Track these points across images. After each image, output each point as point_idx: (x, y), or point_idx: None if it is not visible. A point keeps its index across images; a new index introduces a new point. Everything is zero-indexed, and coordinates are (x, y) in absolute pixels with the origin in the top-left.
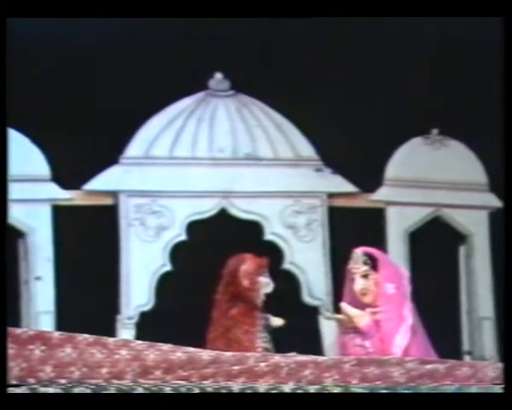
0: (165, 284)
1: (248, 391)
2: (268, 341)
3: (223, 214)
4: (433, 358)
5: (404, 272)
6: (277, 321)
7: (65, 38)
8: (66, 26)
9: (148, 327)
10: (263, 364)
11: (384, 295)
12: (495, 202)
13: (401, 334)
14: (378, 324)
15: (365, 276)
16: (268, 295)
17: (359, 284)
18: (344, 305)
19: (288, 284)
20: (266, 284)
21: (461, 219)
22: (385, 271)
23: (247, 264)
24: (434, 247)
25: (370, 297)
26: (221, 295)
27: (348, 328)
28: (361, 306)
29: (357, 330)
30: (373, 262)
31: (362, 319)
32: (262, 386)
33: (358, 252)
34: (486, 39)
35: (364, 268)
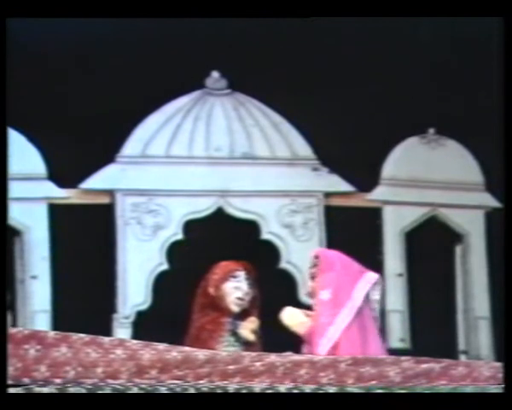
0: (161, 284)
1: (244, 391)
2: (231, 344)
3: (219, 213)
4: (426, 358)
5: (367, 276)
6: (246, 333)
7: (64, 37)
8: (66, 26)
9: (145, 326)
10: (258, 363)
11: (318, 299)
12: (491, 201)
13: (325, 340)
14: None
15: (313, 278)
16: (264, 295)
17: (308, 285)
18: (284, 314)
19: (284, 284)
20: (235, 289)
21: (457, 219)
22: (325, 275)
23: (216, 272)
24: (430, 246)
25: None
26: (194, 307)
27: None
28: None
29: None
30: (320, 264)
31: (301, 327)
32: (258, 386)
33: (312, 253)
34: (486, 39)
35: (313, 270)
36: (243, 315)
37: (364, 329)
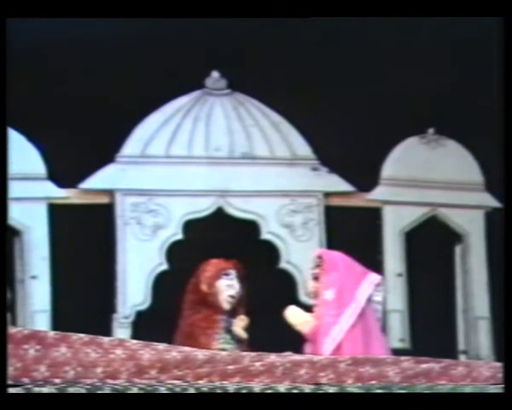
0: (161, 283)
1: (243, 391)
2: (227, 342)
3: (219, 213)
4: (426, 358)
5: (370, 277)
6: (240, 331)
7: (64, 37)
8: (66, 26)
9: (145, 326)
10: (258, 363)
11: (322, 299)
12: (491, 201)
13: (329, 339)
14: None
15: (316, 278)
16: (264, 295)
17: (310, 285)
18: (289, 312)
19: (284, 284)
20: (228, 287)
21: (457, 219)
22: (328, 275)
23: (208, 269)
24: (430, 246)
25: (317, 300)
26: (184, 304)
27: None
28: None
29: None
30: (324, 265)
31: (305, 325)
32: (257, 386)
33: (315, 254)
34: (486, 39)
35: (315, 271)
36: (233, 313)
37: (367, 329)
